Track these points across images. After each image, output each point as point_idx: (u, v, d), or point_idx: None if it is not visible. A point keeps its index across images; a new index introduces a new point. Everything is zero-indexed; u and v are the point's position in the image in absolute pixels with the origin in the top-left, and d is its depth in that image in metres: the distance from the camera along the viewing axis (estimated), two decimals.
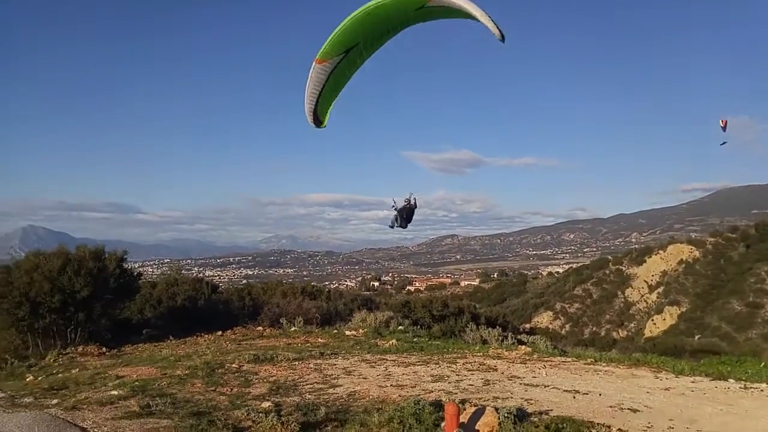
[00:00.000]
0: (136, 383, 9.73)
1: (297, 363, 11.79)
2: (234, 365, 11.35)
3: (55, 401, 8.64)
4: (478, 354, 13.55)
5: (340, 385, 9.54)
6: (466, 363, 12.02)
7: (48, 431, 6.64)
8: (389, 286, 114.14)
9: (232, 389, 9.32)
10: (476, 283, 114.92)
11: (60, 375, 12.12)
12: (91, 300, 15.92)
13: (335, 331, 18.03)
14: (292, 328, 18.13)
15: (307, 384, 9.80)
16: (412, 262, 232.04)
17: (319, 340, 16.03)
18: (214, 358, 12.33)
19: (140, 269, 20.74)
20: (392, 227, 20.36)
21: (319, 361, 12.07)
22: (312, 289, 26.24)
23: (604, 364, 12.39)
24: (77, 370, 12.59)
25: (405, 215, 22.79)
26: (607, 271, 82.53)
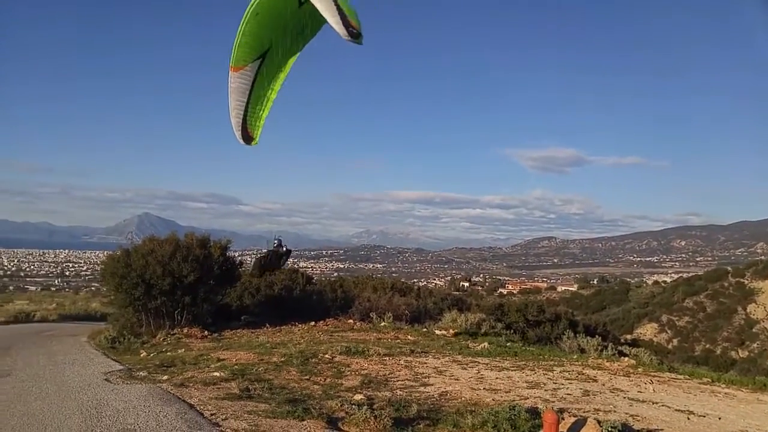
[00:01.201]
0: (236, 367, 10.17)
1: (388, 358, 11.74)
2: (327, 356, 11.52)
3: (165, 377, 9.24)
4: (576, 363, 12.75)
5: (432, 384, 9.33)
6: (564, 371, 11.33)
7: (160, 404, 7.06)
8: (480, 288, 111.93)
9: (325, 379, 9.44)
10: (574, 288, 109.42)
11: (169, 353, 12.99)
12: (197, 285, 16.94)
13: (425, 329, 17.88)
14: (382, 323, 18.22)
15: (398, 380, 9.69)
16: (505, 264, 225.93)
17: (409, 337, 15.94)
18: (307, 348, 12.64)
19: (240, 258, 21.78)
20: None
21: (409, 359, 11.94)
22: (402, 286, 26.33)
23: (724, 385, 11.14)
24: (183, 350, 13.44)
25: (263, 263, 21.44)
26: (726, 284, 75.02)
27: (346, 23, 8.10)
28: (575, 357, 13.86)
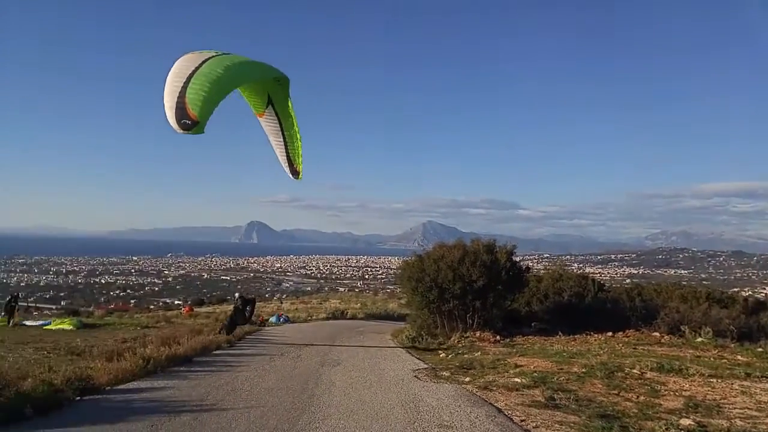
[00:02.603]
0: (535, 374, 9.85)
1: (715, 380, 9.82)
2: (635, 371, 10.27)
3: (467, 379, 9.52)
4: None
5: None
6: None
7: (469, 404, 7.26)
8: None
9: (637, 396, 8.37)
10: None
11: (465, 356, 13.45)
12: (486, 290, 17.24)
13: (759, 349, 14.51)
14: (698, 339, 15.51)
15: (734, 407, 7.96)
16: None
17: (739, 357, 13.11)
18: (609, 360, 11.51)
19: (522, 263, 21.45)
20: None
21: (745, 383, 9.77)
22: (721, 296, 22.13)
23: None
24: (479, 353, 13.75)
25: (232, 321, 17.28)
26: None
27: (180, 115, 8.18)
28: None
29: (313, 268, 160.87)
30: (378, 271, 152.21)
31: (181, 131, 8.43)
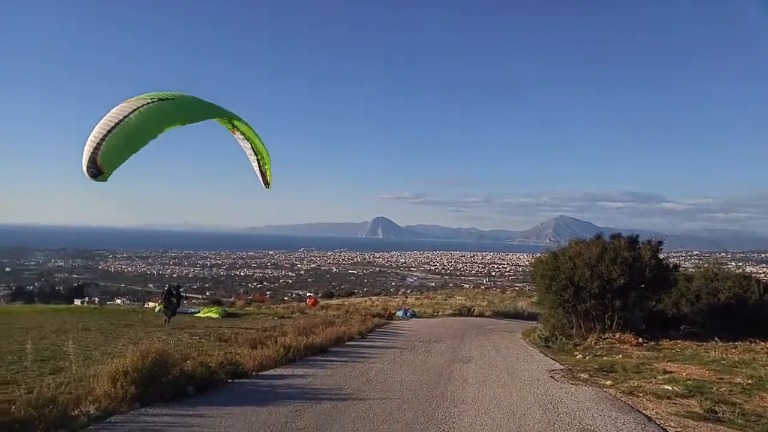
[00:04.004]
0: (689, 382, 8.91)
1: None
2: None
3: (608, 382, 8.90)
4: None
5: None
6: None
7: (614, 410, 6.77)
8: None
9: None
10: None
11: (605, 358, 12.59)
12: (627, 289, 15.98)
13: None
14: None
15: None
16: None
17: None
18: None
19: (674, 261, 19.49)
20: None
21: None
22: None
23: None
24: (620, 356, 12.79)
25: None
26: None
27: (90, 165, 8.84)
28: None
29: (438, 264, 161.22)
30: (505, 268, 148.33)
31: (89, 177, 9.25)
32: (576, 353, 13.82)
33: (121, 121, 9.67)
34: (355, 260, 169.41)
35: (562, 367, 11.10)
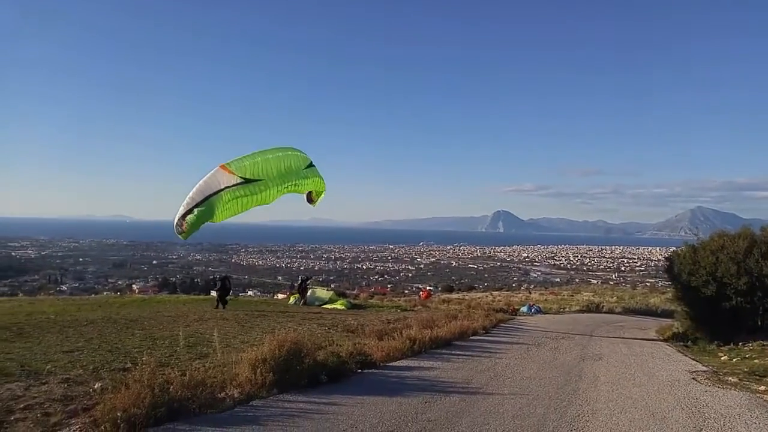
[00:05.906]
0: None
1: None
2: None
3: (761, 387, 8.27)
4: None
5: None
6: None
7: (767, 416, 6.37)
8: None
9: None
10: None
11: (756, 360, 11.57)
12: None
13: None
14: None
15: None
16: None
17: None
18: None
19: None
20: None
21: None
22: None
23: None
24: None
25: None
26: None
27: (178, 225, 12.67)
28: None
29: (563, 259, 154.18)
30: (636, 262, 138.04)
31: (176, 232, 12.80)
32: (720, 354, 12.87)
33: (209, 197, 12.74)
34: (475, 254, 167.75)
35: (705, 368, 10.45)
